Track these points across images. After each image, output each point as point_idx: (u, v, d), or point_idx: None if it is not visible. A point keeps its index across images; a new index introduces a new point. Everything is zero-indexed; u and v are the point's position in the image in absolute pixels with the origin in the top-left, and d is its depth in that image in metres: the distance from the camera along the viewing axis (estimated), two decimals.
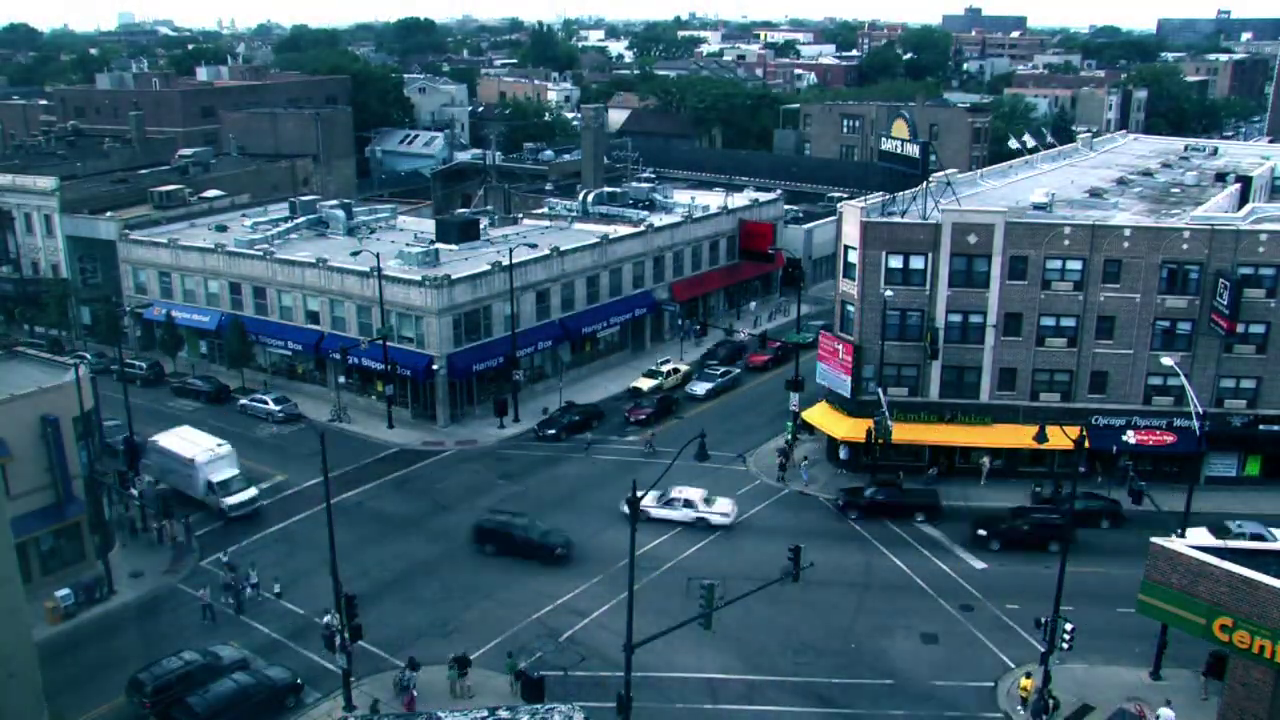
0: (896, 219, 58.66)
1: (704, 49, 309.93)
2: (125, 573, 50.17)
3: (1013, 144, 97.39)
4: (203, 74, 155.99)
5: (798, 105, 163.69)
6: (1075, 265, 56.36)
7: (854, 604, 48.00)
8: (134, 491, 53.92)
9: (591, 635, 45.44)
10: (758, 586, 40.97)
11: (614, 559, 50.08)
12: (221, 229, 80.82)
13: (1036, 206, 61.50)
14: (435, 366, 66.20)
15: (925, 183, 60.32)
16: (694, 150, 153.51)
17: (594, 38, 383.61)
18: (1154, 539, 37.19)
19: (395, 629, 45.70)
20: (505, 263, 68.62)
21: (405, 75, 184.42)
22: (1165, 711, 39.13)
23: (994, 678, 42.70)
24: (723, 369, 76.47)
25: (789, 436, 64.09)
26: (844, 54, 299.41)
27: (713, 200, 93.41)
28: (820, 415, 62.33)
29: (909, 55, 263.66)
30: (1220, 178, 74.41)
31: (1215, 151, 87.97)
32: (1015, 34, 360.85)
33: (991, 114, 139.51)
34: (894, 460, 59.71)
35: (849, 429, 59.43)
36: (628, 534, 37.94)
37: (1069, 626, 40.61)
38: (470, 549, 52.33)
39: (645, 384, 73.89)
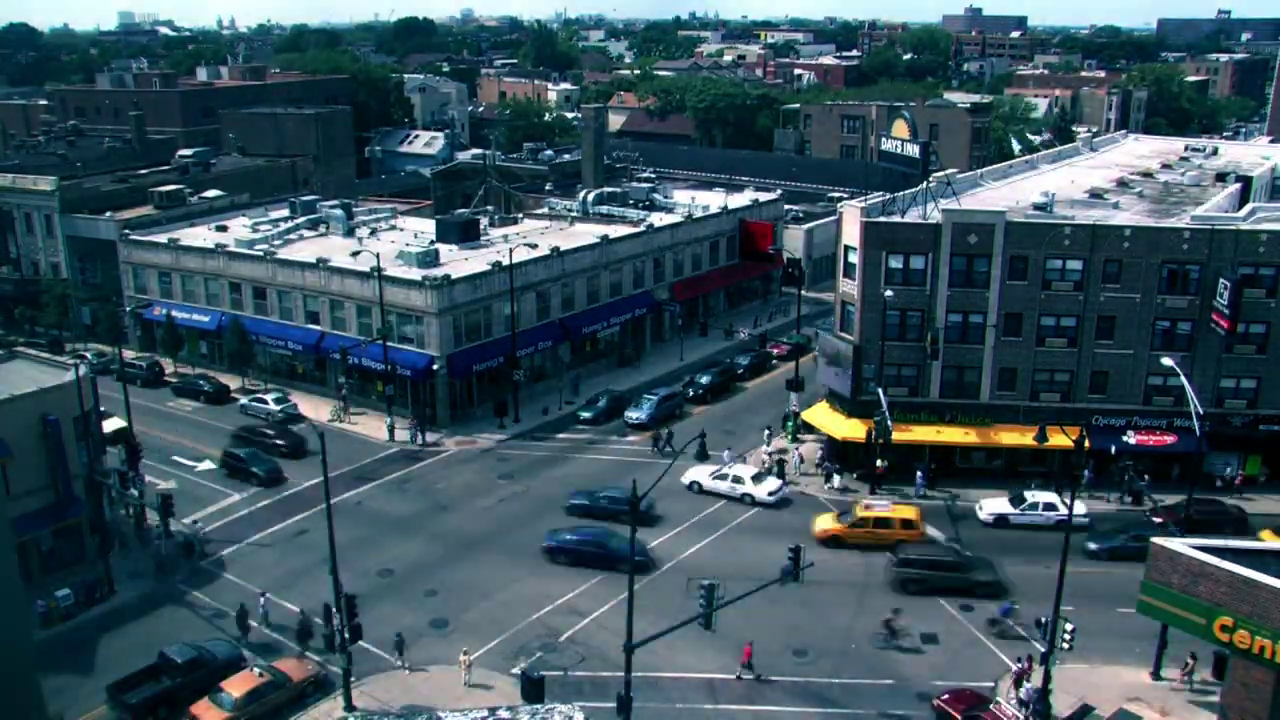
0: (896, 219, 58.64)
1: (704, 49, 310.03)
2: (125, 573, 50.17)
3: (1015, 145, 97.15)
4: (203, 74, 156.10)
5: (798, 105, 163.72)
6: (1075, 265, 56.34)
7: (854, 604, 47.99)
8: (134, 491, 53.88)
9: (591, 635, 45.44)
10: (758, 586, 40.93)
11: None
12: (221, 229, 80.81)
13: (1036, 206, 61.47)
14: (435, 366, 66.20)
15: (925, 183, 60.31)
16: (694, 150, 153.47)
17: (594, 38, 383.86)
18: (1154, 539, 37.12)
19: (395, 629, 45.66)
20: (505, 263, 68.61)
21: (405, 75, 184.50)
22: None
23: (994, 678, 42.71)
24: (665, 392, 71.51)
25: (790, 438, 64.05)
26: (844, 54, 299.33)
27: (713, 200, 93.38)
28: (820, 415, 62.33)
29: (909, 55, 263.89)
30: (1220, 178, 74.34)
31: (1215, 151, 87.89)
32: (1015, 34, 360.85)
33: (991, 114, 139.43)
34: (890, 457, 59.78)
35: (849, 429, 59.42)
36: (627, 534, 37.88)
37: (1069, 626, 40.57)
38: None
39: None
